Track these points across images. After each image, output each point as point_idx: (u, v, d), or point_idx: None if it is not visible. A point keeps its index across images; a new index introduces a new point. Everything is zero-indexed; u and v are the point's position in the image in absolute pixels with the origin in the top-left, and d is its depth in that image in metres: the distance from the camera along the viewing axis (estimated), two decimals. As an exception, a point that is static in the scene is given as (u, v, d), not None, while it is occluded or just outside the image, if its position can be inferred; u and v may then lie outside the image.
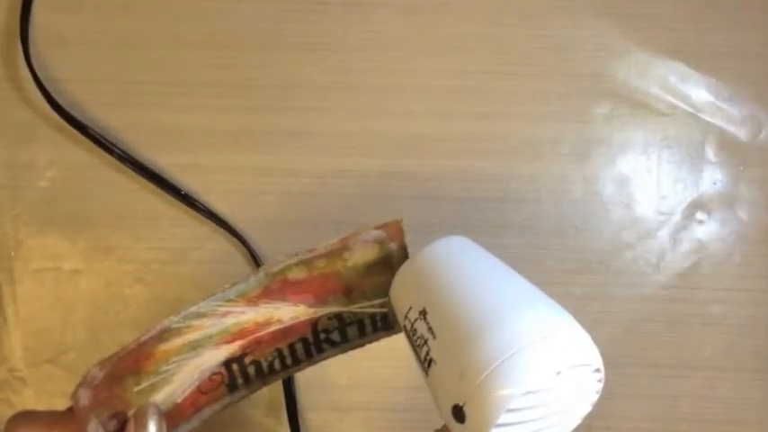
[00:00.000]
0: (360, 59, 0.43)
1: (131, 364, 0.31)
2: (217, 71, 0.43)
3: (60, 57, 0.43)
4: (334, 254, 0.32)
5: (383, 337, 0.33)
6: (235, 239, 0.43)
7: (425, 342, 0.29)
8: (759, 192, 0.44)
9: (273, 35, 0.43)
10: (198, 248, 0.43)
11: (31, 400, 0.44)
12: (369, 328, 0.33)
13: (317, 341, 0.33)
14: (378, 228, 0.33)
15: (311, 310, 0.33)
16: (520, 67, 0.43)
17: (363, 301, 0.33)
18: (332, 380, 0.44)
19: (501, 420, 0.25)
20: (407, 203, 0.43)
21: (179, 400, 0.32)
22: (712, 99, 0.44)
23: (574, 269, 0.44)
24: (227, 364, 0.33)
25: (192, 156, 0.44)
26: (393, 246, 0.33)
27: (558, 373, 0.26)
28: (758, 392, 0.44)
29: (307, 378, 0.44)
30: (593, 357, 0.28)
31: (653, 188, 0.44)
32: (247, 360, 0.33)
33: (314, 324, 0.33)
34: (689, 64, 0.43)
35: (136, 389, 0.32)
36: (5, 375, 0.44)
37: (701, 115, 0.44)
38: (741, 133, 0.44)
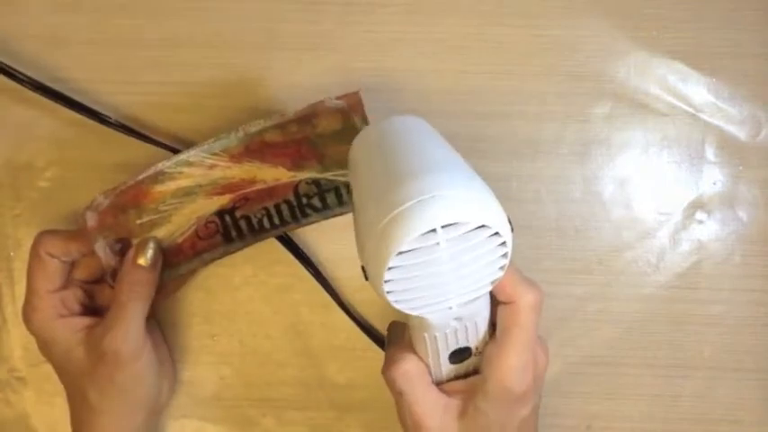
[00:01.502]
0: (360, 59, 0.43)
1: (132, 197, 0.37)
2: (216, 71, 0.43)
3: (60, 57, 0.43)
4: (304, 120, 0.37)
5: None
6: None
7: (354, 214, 0.31)
8: (759, 192, 0.44)
9: (273, 35, 0.43)
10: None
11: (30, 400, 0.44)
12: (346, 196, 0.38)
13: (300, 204, 0.38)
14: (338, 97, 0.37)
15: (290, 173, 0.37)
16: (520, 67, 0.43)
17: (336, 169, 0.37)
18: (332, 380, 0.44)
19: (391, 264, 0.27)
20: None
21: (179, 240, 0.38)
22: (712, 99, 0.44)
23: (574, 269, 0.44)
24: (220, 214, 0.38)
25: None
26: (356, 118, 0.37)
27: (442, 229, 0.27)
28: (758, 392, 0.44)
29: (306, 378, 0.44)
30: (489, 220, 0.27)
31: (653, 188, 0.44)
32: (238, 214, 0.38)
33: (295, 187, 0.38)
34: (689, 64, 0.43)
35: (138, 221, 0.37)
36: (5, 375, 0.44)
37: (701, 115, 0.44)
38: (741, 133, 0.44)
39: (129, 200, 0.37)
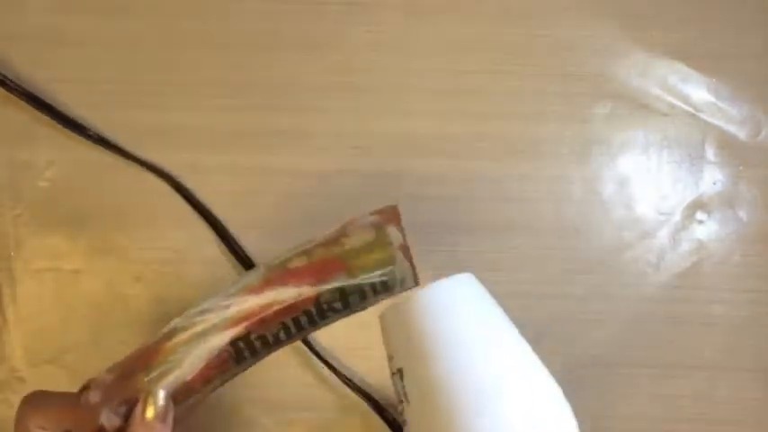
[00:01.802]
0: (360, 59, 0.43)
1: (141, 363, 0.34)
2: (217, 71, 0.43)
3: (60, 57, 0.43)
4: (332, 241, 0.34)
5: (383, 299, 0.34)
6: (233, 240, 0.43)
7: (401, 401, 0.29)
8: (759, 192, 0.44)
9: (273, 35, 0.43)
10: (198, 248, 0.43)
11: (31, 400, 0.44)
12: (369, 293, 0.35)
13: (321, 311, 0.35)
14: (373, 213, 0.35)
15: (313, 289, 0.34)
16: (520, 67, 0.43)
17: (364, 275, 0.34)
18: (332, 379, 0.44)
19: None
20: (407, 203, 0.43)
21: (188, 378, 0.34)
22: (712, 99, 0.44)
23: (574, 269, 0.44)
24: (234, 342, 0.35)
25: (191, 156, 0.44)
26: (390, 227, 0.34)
27: None
28: (758, 392, 0.44)
29: (305, 377, 0.44)
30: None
31: (653, 188, 0.44)
32: (253, 336, 0.35)
33: (317, 299, 0.34)
34: (689, 64, 0.43)
35: (146, 378, 0.34)
36: (5, 375, 0.44)
37: (701, 115, 0.44)
38: (741, 133, 0.44)
39: (137, 366, 0.34)
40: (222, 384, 0.36)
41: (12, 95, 0.42)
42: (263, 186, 0.43)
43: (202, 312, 0.34)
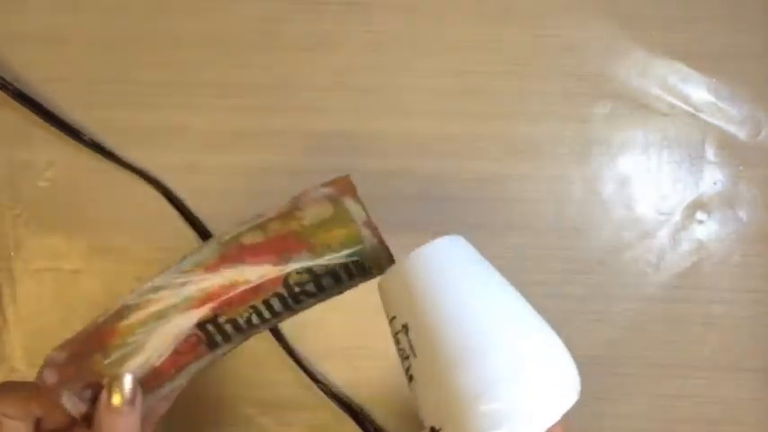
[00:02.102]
0: (360, 59, 0.43)
1: (94, 342, 0.32)
2: (217, 71, 0.43)
3: (59, 57, 0.43)
4: (286, 215, 0.33)
5: (361, 282, 0.33)
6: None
7: (407, 357, 0.29)
8: (759, 192, 0.44)
9: (273, 35, 0.43)
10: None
11: (30, 400, 0.44)
12: (344, 276, 0.33)
13: (293, 294, 0.33)
14: (325, 185, 0.33)
15: (277, 269, 0.32)
16: (520, 67, 0.43)
17: (330, 254, 0.32)
18: (331, 379, 0.44)
19: None
20: (407, 203, 0.43)
21: (157, 364, 0.33)
22: (712, 99, 0.44)
23: (574, 269, 0.44)
24: (202, 325, 0.33)
25: (191, 156, 0.44)
26: (348, 200, 0.33)
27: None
28: (758, 392, 0.44)
29: (305, 377, 0.44)
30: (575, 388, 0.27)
31: (653, 188, 0.44)
32: (222, 320, 0.33)
33: (284, 279, 0.32)
34: (689, 64, 0.43)
35: (106, 361, 0.32)
36: (5, 375, 0.44)
37: (701, 115, 0.44)
38: (741, 133, 0.44)
39: (91, 346, 0.32)
40: (198, 371, 0.34)
41: (10, 97, 0.42)
42: (263, 186, 0.43)
43: (155, 290, 0.32)
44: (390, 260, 0.32)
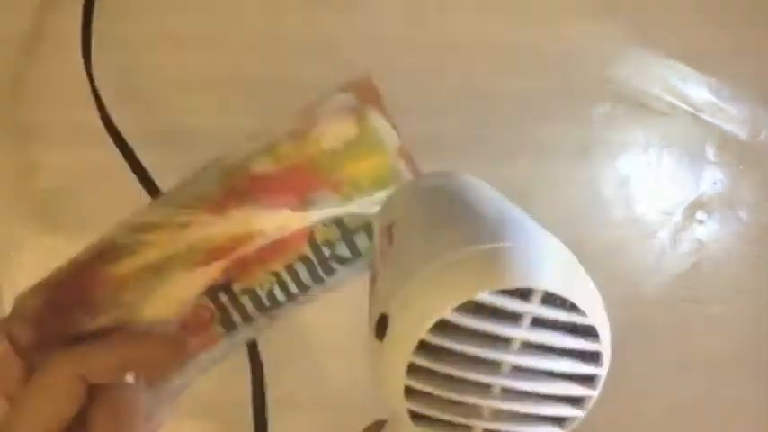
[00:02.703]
0: (360, 59, 0.43)
1: (74, 290, 0.25)
2: (217, 71, 0.43)
3: (58, 56, 0.43)
4: (300, 134, 0.26)
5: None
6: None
7: (382, 253, 0.23)
8: (759, 192, 0.44)
9: (273, 35, 0.43)
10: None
11: (31, 400, 0.44)
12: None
13: (322, 259, 0.26)
14: (344, 88, 0.25)
15: (299, 215, 0.25)
16: (520, 66, 0.43)
17: (360, 196, 0.25)
18: (331, 379, 0.44)
19: (437, 319, 0.19)
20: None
21: (161, 356, 0.26)
22: (712, 99, 0.43)
23: (574, 269, 0.44)
24: (212, 293, 0.26)
25: (191, 156, 0.43)
26: (373, 115, 0.25)
27: (538, 299, 0.19)
28: (758, 392, 0.44)
29: (305, 376, 0.44)
30: (595, 317, 0.20)
31: (653, 188, 0.44)
32: (237, 288, 0.26)
33: (310, 235, 0.26)
34: (689, 64, 0.43)
35: (92, 325, 0.25)
36: (5, 375, 0.44)
37: (701, 115, 0.44)
38: (741, 133, 0.44)
39: (71, 294, 0.25)
40: (211, 366, 0.27)
41: (11, 96, 0.42)
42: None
43: (150, 228, 0.25)
44: None
